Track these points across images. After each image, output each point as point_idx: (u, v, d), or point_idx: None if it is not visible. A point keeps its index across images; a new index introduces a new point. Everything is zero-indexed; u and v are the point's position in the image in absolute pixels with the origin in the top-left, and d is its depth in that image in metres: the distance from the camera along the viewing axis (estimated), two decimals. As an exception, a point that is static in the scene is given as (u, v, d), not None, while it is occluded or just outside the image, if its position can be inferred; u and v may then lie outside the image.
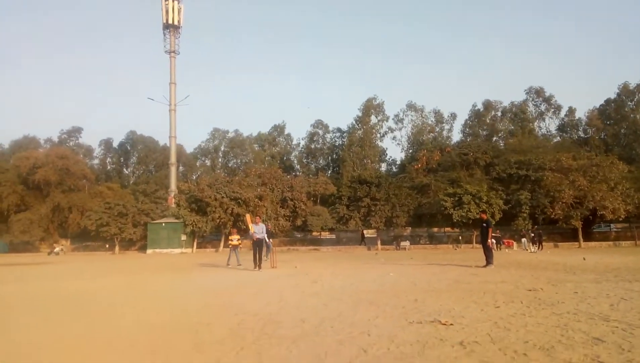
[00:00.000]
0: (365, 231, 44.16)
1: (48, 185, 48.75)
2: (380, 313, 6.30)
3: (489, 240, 14.66)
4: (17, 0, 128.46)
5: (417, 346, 4.39)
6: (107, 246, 46.51)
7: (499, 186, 40.01)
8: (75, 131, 72.68)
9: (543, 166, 38.79)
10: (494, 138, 66.94)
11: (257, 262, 15.67)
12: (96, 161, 74.13)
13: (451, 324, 5.36)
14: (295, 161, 75.92)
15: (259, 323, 5.83)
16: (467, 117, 70.70)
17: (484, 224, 14.88)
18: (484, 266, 14.21)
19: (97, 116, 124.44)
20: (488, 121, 68.78)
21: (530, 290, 8.43)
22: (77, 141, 72.44)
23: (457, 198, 36.82)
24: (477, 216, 29.82)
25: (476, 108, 69.87)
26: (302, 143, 75.59)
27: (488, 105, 68.61)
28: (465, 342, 4.47)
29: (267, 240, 22.56)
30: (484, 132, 68.10)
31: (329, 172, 70.29)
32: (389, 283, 10.47)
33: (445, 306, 6.75)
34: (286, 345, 4.59)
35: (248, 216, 19.04)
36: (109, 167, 74.95)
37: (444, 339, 4.64)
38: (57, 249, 44.01)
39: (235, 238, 17.64)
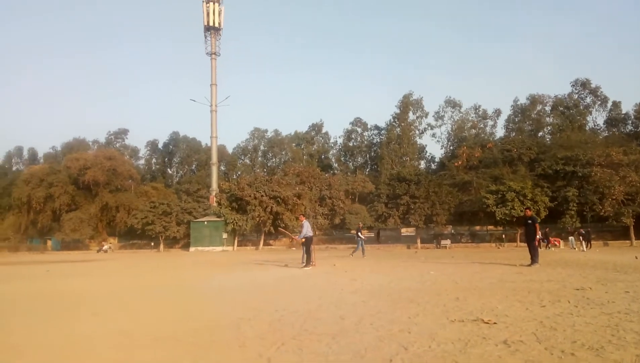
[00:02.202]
0: (404, 230, 43.69)
1: (97, 185, 50.92)
2: (420, 311, 6.23)
3: (537, 237, 14.18)
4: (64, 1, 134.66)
5: (459, 344, 4.31)
6: (152, 244, 48.14)
7: (544, 182, 38.68)
8: (122, 133, 75.61)
9: (591, 161, 37.19)
10: (540, 133, 64.64)
11: (306, 260, 15.77)
12: (142, 162, 76.91)
13: (494, 323, 5.23)
14: (333, 160, 75.99)
15: (299, 319, 5.89)
16: (510, 112, 68.60)
17: (529, 221, 14.42)
18: (529, 265, 13.77)
19: (142, 117, 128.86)
20: (534, 116, 66.42)
21: (578, 289, 8.11)
22: (123, 143, 75.34)
23: (500, 196, 35.86)
24: (522, 214, 28.94)
25: (519, 103, 67.65)
26: (340, 141, 75.56)
27: (534, 99, 66.25)
28: (509, 341, 4.36)
29: (361, 236, 23.55)
30: (529, 128, 65.83)
31: (367, 170, 69.97)
32: (429, 281, 10.32)
33: (488, 305, 6.59)
34: (326, 341, 4.62)
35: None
36: (153, 167, 77.46)
37: (487, 337, 4.53)
38: (105, 247, 45.93)
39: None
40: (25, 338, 5.20)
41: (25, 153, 78.58)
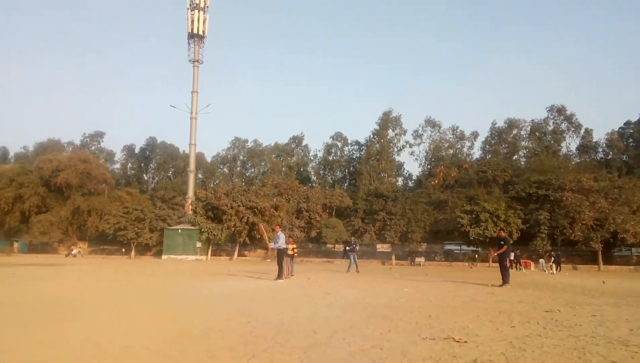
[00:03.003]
0: (379, 246, 43.87)
1: (69, 188, 49.70)
2: (393, 328, 6.25)
3: (503, 255, 14.44)
4: (40, 2, 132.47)
5: (430, 362, 4.33)
6: (124, 250, 47.10)
7: (517, 205, 39.45)
8: (98, 136, 74.25)
9: (563, 186, 38.16)
10: (515, 156, 66.14)
11: (278, 272, 15.64)
12: (117, 166, 75.50)
13: (465, 342, 5.28)
14: (312, 173, 76.08)
15: (271, 331, 5.83)
16: (487, 134, 70.10)
17: (502, 242, 14.68)
18: (501, 285, 13.99)
19: (120, 121, 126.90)
20: (510, 139, 68.02)
21: (547, 311, 8.26)
22: (99, 146, 73.99)
23: (474, 216, 36.42)
24: (495, 234, 29.42)
25: (496, 126, 69.26)
26: (320, 154, 75.78)
27: (511, 123, 67.91)
28: (479, 360, 4.40)
29: (354, 253, 22.96)
30: (505, 151, 67.34)
31: (346, 184, 70.25)
32: (403, 298, 10.37)
33: (459, 324, 6.66)
34: (298, 354, 4.58)
35: (261, 227, 19.12)
36: (129, 172, 76.16)
37: (457, 356, 4.57)
38: (74, 251, 44.72)
39: (290, 247, 17.52)
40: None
41: (-4, 151, 76.39)
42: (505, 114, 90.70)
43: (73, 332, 5.78)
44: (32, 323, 6.35)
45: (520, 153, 68.03)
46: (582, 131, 66.90)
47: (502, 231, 15.71)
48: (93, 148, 72.23)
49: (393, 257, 41.11)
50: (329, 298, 10.13)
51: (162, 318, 7.00)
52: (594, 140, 66.30)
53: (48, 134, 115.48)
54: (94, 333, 5.71)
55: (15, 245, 51.46)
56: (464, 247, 42.50)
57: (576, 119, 67.19)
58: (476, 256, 40.26)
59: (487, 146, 69.30)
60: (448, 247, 44.78)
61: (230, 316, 7.21)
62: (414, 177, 70.78)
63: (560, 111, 67.61)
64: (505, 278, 14.28)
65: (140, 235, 44.70)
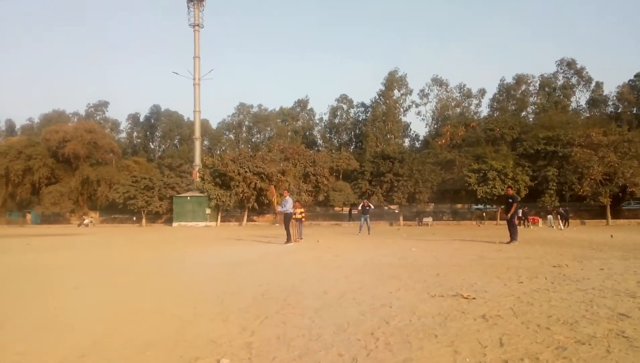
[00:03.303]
0: (387, 207, 44.09)
1: (77, 158, 49.98)
2: (402, 287, 6.34)
3: (514, 216, 14.47)
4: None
5: (438, 318, 4.42)
6: (134, 218, 47.75)
7: (525, 162, 39.22)
8: (102, 105, 73.99)
9: (572, 141, 37.77)
10: (523, 113, 65.23)
11: (287, 236, 15.85)
12: (123, 135, 75.53)
13: (473, 298, 5.36)
14: (319, 136, 75.72)
15: (282, 294, 5.95)
16: (495, 91, 68.95)
17: (510, 200, 14.67)
18: (508, 243, 14.08)
19: (123, 90, 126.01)
20: (518, 96, 66.91)
21: (555, 266, 8.34)
22: (103, 115, 73.82)
23: (481, 174, 36.34)
24: (503, 193, 29.43)
25: (505, 82, 68.01)
26: (325, 117, 75.14)
27: (519, 79, 66.60)
28: (488, 316, 4.48)
29: (367, 215, 23.22)
30: (513, 107, 66.37)
31: (352, 147, 69.96)
32: (411, 257, 10.49)
33: (467, 281, 6.74)
34: (309, 315, 4.68)
35: (272, 189, 19.21)
36: (135, 141, 76.23)
37: (466, 312, 4.65)
38: (86, 221, 45.42)
39: (298, 211, 17.66)
40: (7, 311, 5.16)
41: (2, 124, 76.60)
42: (514, 71, 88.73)
43: (89, 297, 5.93)
44: (50, 290, 6.51)
45: (528, 109, 67.09)
46: (593, 85, 65.60)
47: (510, 189, 15.67)
48: (98, 117, 72.09)
49: (401, 218, 41.37)
50: (337, 260, 10.27)
51: (175, 284, 7.15)
52: (604, 93, 65.10)
53: (52, 105, 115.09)
54: (108, 299, 5.86)
55: (28, 216, 52.38)
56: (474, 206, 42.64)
57: (586, 72, 65.87)
58: (484, 214, 40.39)
59: (495, 104, 68.32)
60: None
61: (242, 280, 7.35)
62: (421, 138, 70.35)
63: (570, 64, 66.13)
64: (513, 236, 14.35)
65: (150, 203, 45.20)
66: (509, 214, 14.43)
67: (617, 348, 3.35)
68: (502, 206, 16.02)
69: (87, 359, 3.33)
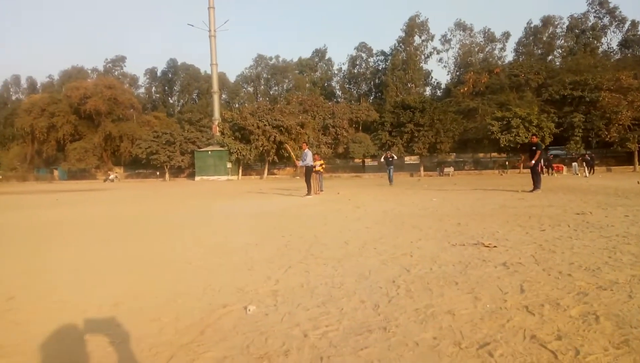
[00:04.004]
0: (407, 158, 43.83)
1: (99, 115, 50.60)
2: (422, 236, 6.40)
3: (539, 164, 14.24)
4: None
5: (459, 266, 4.47)
6: (158, 173, 48.70)
7: (550, 108, 38.11)
8: (119, 60, 73.81)
9: (600, 86, 36.35)
10: (549, 57, 62.64)
11: (307, 189, 16.01)
12: (142, 90, 75.70)
13: (494, 246, 5.39)
14: (337, 87, 74.52)
15: (304, 244, 6.07)
16: (521, 35, 66.05)
17: (534, 148, 14.40)
18: (531, 191, 13.94)
19: (139, 44, 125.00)
20: (545, 39, 64.02)
21: (578, 214, 8.26)
22: (121, 71, 73.78)
23: (505, 122, 35.56)
24: (527, 141, 28.84)
25: (531, 25, 64.97)
26: (344, 68, 73.54)
27: (547, 20, 63.48)
28: (509, 263, 4.51)
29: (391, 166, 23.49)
30: (539, 52, 63.70)
31: (372, 98, 68.78)
32: (432, 208, 10.51)
33: (488, 230, 6.75)
34: (332, 264, 4.79)
35: (288, 147, 19.20)
36: (154, 96, 76.39)
37: (487, 260, 4.69)
38: (112, 176, 46.56)
39: (318, 164, 17.78)
40: (44, 262, 5.42)
41: (24, 82, 77.40)
42: (542, 12, 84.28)
43: (119, 250, 6.17)
44: (82, 243, 6.79)
45: (555, 53, 64.35)
46: (627, 25, 62.12)
47: (534, 137, 15.33)
48: (116, 72, 72.11)
49: (421, 169, 41.18)
50: (358, 211, 10.36)
51: (201, 236, 7.36)
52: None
53: (70, 62, 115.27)
54: (140, 250, 6.08)
55: (55, 172, 53.90)
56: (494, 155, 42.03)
57: (620, 12, 62.26)
58: (506, 163, 39.82)
59: (521, 48, 65.64)
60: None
61: (265, 232, 7.51)
62: (443, 86, 68.51)
63: (603, 3, 62.50)
64: (536, 184, 14.18)
65: (172, 158, 45.90)
66: (533, 162, 14.20)
67: (640, 294, 3.36)
68: (527, 155, 15.71)
69: (120, 307, 3.51)
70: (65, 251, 6.25)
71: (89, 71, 71.09)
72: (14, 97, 74.95)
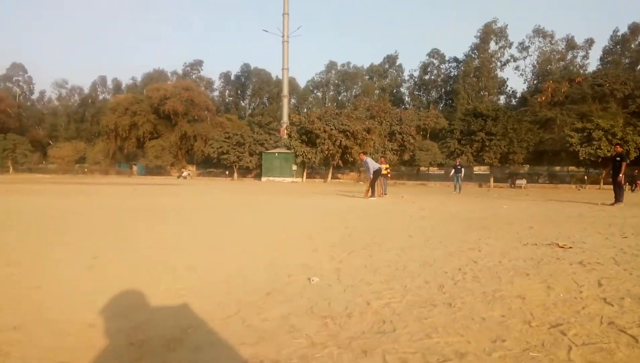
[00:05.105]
0: (476, 168, 42.33)
1: (176, 115, 53.43)
2: (491, 236, 6.18)
3: (620, 176, 13.24)
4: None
5: (531, 262, 4.28)
6: (227, 172, 50.53)
7: (638, 121, 35.27)
8: (197, 64, 77.56)
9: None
10: (638, 67, 58.11)
11: (372, 191, 16.03)
12: (216, 93, 79.02)
13: (570, 247, 5.10)
14: (407, 94, 73.59)
15: (368, 235, 6.08)
16: (606, 43, 61.86)
17: (618, 159, 13.40)
18: (612, 204, 12.99)
19: (215, 49, 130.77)
20: (634, 47, 59.52)
21: (667, 226, 7.60)
22: (198, 74, 77.43)
23: (585, 134, 33.34)
24: (609, 154, 26.92)
25: (618, 33, 60.67)
26: (416, 74, 72.48)
27: (635, 28, 59.04)
28: (585, 262, 4.26)
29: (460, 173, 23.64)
30: (627, 60, 59.29)
31: (441, 105, 67.23)
32: (502, 213, 10.11)
33: (564, 234, 6.39)
34: (395, 252, 4.77)
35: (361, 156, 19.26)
36: (227, 99, 79.50)
37: (561, 258, 4.45)
38: (184, 173, 48.92)
39: (384, 167, 17.90)
40: (135, 237, 5.85)
41: (110, 83, 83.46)
42: (629, 19, 78.25)
43: (199, 233, 6.51)
44: (160, 224, 7.24)
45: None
46: None
47: (618, 146, 14.27)
48: (194, 76, 75.82)
49: (491, 180, 39.57)
50: (423, 212, 10.19)
51: (268, 223, 7.58)
52: None
53: (152, 65, 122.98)
54: (210, 231, 6.38)
55: (134, 168, 57.55)
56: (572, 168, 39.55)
57: None
58: (585, 177, 37.30)
59: (606, 56, 61.43)
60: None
61: (329, 224, 7.60)
62: (518, 94, 65.55)
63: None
64: (618, 197, 13.19)
65: (241, 158, 47.45)
66: (619, 177, 13.21)
67: None
68: (609, 167, 14.68)
69: (198, 272, 3.71)
70: (149, 228, 6.69)
71: (169, 74, 75.39)
72: (100, 97, 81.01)
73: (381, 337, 2.25)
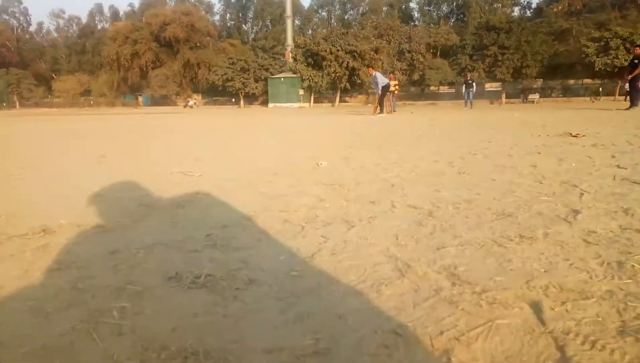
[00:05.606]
0: (488, 85, 41.25)
1: (177, 42, 51.94)
2: (503, 133, 6.08)
3: (637, 78, 12.76)
4: None
5: (542, 148, 4.19)
6: (233, 100, 49.95)
7: (661, 27, 33.53)
8: (196, -15, 74.17)
9: None
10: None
11: (380, 108, 15.79)
12: (217, 18, 76.17)
13: (583, 135, 5.00)
14: (417, 9, 70.19)
15: (378, 138, 6.04)
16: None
17: (636, 61, 12.84)
18: (628, 109, 12.65)
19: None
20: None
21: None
22: (197, -3, 74.23)
23: (603, 43, 31.92)
24: (626, 63, 25.86)
25: None
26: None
27: None
28: (599, 145, 4.17)
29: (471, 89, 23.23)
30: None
31: (452, 20, 64.27)
32: (513, 119, 9.92)
33: (578, 127, 6.26)
34: (404, 146, 4.72)
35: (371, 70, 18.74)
36: (228, 23, 76.74)
37: (575, 143, 4.37)
38: (191, 102, 48.41)
39: (392, 83, 17.48)
40: (164, 148, 5.86)
41: (106, 11, 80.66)
42: None
43: (203, 143, 6.51)
44: (173, 137, 7.23)
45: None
46: None
47: (638, 49, 13.61)
48: (192, 0, 72.82)
49: (503, 96, 38.69)
50: (433, 122, 10.04)
51: (278, 135, 7.54)
52: None
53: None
54: (229, 140, 6.38)
55: (140, 98, 57.01)
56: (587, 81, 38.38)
57: None
58: (600, 89, 36.25)
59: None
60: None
61: (336, 132, 7.56)
62: (534, 5, 62.21)
63: None
64: (634, 101, 12.80)
65: (247, 85, 46.60)
66: (634, 75, 12.72)
67: None
68: (626, 69, 14.13)
69: (198, 162, 3.72)
70: (152, 140, 6.69)
71: (167, -1, 72.35)
72: (99, 27, 78.59)
73: (389, 193, 2.24)
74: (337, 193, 2.32)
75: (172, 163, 3.73)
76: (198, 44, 54.41)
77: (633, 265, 1.23)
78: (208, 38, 55.94)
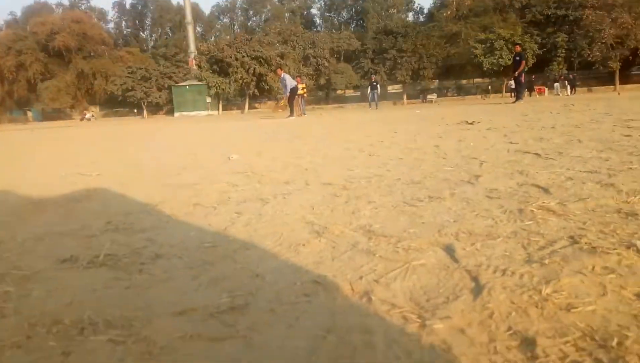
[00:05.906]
0: (390, 87, 43.25)
1: (69, 51, 48.29)
2: (406, 125, 6.39)
3: (520, 74, 14.11)
4: None
5: (442, 133, 4.47)
6: (135, 110, 47.42)
7: (534, 30, 37.51)
8: (85, -6, 69.54)
9: (584, 3, 35.59)
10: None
11: (290, 110, 15.86)
12: (111, 25, 71.95)
13: (478, 122, 5.41)
14: (318, 15, 71.77)
15: (289, 135, 6.04)
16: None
17: (517, 58, 14.20)
18: (514, 102, 13.93)
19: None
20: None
21: (563, 106, 8.35)
22: (88, 4, 69.61)
23: (488, 44, 34.98)
24: (510, 62, 28.55)
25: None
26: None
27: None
28: (493, 128, 4.53)
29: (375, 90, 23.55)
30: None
31: (353, 26, 66.65)
32: (415, 116, 10.52)
33: (472, 117, 6.75)
34: (312, 140, 4.76)
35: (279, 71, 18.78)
36: (125, 31, 72.88)
37: (471, 129, 4.71)
38: (88, 115, 45.14)
39: (300, 86, 17.39)
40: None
41: (-15, 21, 72.91)
42: None
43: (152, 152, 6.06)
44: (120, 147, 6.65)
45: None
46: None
47: (518, 46, 15.13)
48: (82, 7, 68.07)
49: (404, 97, 40.84)
50: (341, 122, 10.33)
51: (188, 140, 7.26)
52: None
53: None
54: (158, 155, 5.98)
55: (29, 113, 52.04)
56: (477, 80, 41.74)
57: None
58: (489, 87, 39.63)
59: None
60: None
61: (250, 135, 7.46)
62: (425, 11, 66.45)
63: None
64: (519, 94, 14.17)
65: (149, 94, 44.52)
66: (517, 72, 14.06)
67: None
68: (512, 68, 15.54)
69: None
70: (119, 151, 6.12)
71: (54, 6, 66.89)
72: (-24, 37, 70.83)
73: (303, 175, 2.24)
74: (250, 178, 2.27)
75: (65, 166, 3.43)
76: (92, 53, 51.03)
77: (532, 210, 1.33)
78: (103, 47, 52.64)
